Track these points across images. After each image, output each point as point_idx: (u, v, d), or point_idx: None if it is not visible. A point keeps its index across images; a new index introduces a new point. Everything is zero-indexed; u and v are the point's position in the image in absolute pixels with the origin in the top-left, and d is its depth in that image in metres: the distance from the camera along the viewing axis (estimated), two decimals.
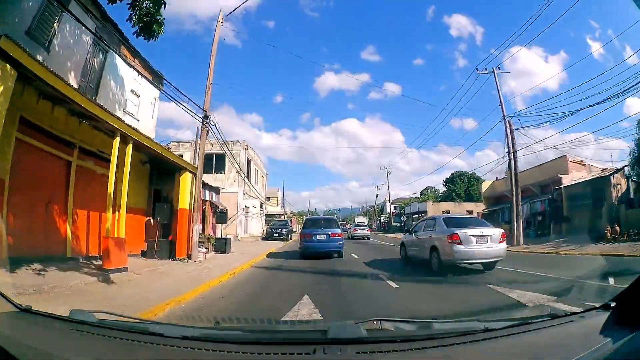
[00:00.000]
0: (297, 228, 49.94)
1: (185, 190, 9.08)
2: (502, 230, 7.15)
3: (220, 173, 21.61)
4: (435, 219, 7.94)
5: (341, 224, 45.37)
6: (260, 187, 27.98)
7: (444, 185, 45.42)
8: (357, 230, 25.23)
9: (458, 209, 36.06)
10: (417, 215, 38.56)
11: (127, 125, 6.32)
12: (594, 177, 15.23)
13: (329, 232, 10.28)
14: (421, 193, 52.82)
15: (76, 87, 6.01)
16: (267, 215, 45.87)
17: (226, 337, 1.31)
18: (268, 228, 22.63)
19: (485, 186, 25.17)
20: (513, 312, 3.40)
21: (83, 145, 6.62)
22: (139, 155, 7.88)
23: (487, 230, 6.88)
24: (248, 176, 23.42)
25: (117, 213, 5.99)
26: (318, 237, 10.16)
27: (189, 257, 8.50)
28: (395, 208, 56.42)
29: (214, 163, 21.18)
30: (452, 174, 45.70)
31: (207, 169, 21.10)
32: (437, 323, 1.57)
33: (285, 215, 51.54)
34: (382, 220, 50.20)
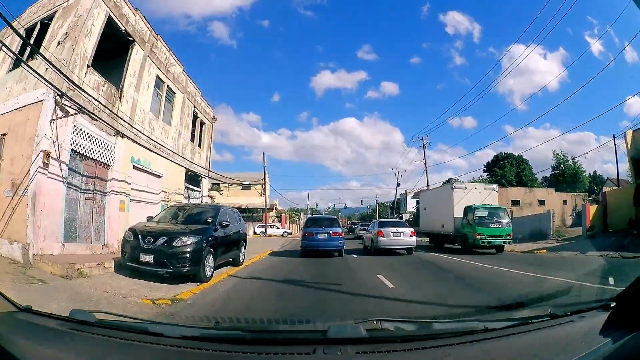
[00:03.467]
0: (290, 228, 38.90)
1: None
2: (412, 229, 12.93)
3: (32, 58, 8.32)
4: (375, 221, 15.76)
5: (352, 223, 43.50)
6: (184, 141, 14.46)
7: (485, 171, 41.28)
8: (363, 230, 28.16)
9: (529, 197, 29.95)
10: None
11: None
12: None
13: (330, 231, 11.82)
14: (444, 185, 47.20)
15: None
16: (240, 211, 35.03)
17: (226, 337, 1.43)
18: (128, 233, 6.83)
19: (628, 139, 15.38)
20: (513, 312, 3.56)
21: None
22: None
23: (401, 229, 12.58)
24: (123, 77, 9.96)
25: None
26: (319, 235, 11.75)
27: None
28: (418, 202, 48.36)
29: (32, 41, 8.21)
30: (496, 156, 41.59)
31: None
32: (437, 323, 1.72)
33: (275, 210, 38.81)
34: (403, 219, 41.47)
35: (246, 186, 39.81)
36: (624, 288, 1.34)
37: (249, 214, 38.24)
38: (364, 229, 24.17)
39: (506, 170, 39.54)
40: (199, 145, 16.75)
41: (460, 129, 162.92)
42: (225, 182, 31.34)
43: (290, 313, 4.75)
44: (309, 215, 28.28)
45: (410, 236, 12.39)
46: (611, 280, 6.26)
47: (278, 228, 36.01)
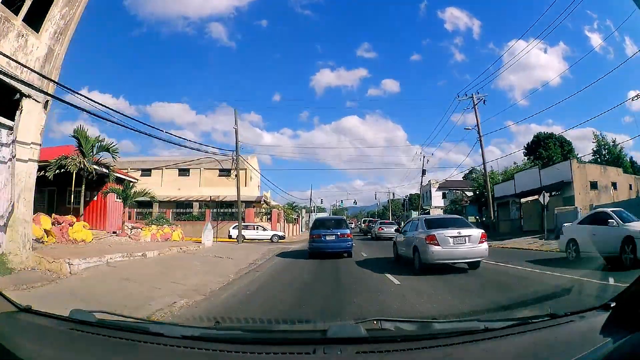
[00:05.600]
0: (286, 230, 40.22)
1: None
2: (482, 230, 10.72)
3: None
4: (419, 220, 12.09)
5: (368, 222, 44.72)
6: None
7: (526, 154, 45.30)
8: (382, 229, 31.05)
9: (605, 178, 29.20)
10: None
11: None
12: None
13: (338, 233, 14.69)
14: (465, 177, 56.20)
15: None
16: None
17: (226, 337, 1.82)
18: None
19: None
20: (513, 311, 4.35)
21: None
22: None
23: (465, 231, 10.29)
24: None
25: None
26: (327, 237, 14.68)
27: None
28: (444, 194, 56.05)
29: None
30: (537, 137, 46.66)
31: None
32: (437, 323, 2.15)
33: (266, 205, 38.95)
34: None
35: (225, 172, 36.18)
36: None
37: (227, 209, 35.19)
38: (396, 231, 21.00)
39: (552, 152, 42.27)
40: (34, 28, 9.62)
41: (461, 126, 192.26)
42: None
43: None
44: (317, 217, 28.93)
45: (480, 242, 10.13)
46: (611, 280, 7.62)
47: (264, 230, 32.90)
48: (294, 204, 59.71)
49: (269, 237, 31.49)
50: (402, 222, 43.70)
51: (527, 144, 46.51)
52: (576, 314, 1.85)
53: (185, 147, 23.55)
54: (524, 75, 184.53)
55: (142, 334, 1.75)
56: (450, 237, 9.91)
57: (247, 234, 30.22)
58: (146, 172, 40.14)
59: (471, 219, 33.03)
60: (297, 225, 53.95)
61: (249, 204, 36.33)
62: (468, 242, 10.02)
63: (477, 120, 29.43)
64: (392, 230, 28.55)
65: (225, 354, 1.59)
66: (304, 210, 66.74)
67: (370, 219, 53.00)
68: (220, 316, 4.42)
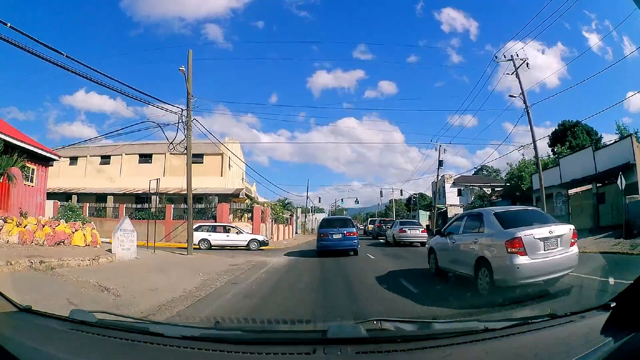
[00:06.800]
0: (275, 233, 40.38)
1: None
2: (572, 226, 8.11)
3: None
4: (481, 215, 9.02)
5: (380, 221, 45.08)
6: None
7: (552, 144, 47.04)
8: (405, 231, 26.70)
9: None
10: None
11: None
12: None
13: (345, 231, 18.44)
14: (476, 172, 58.85)
15: None
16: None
17: (226, 337, 2.09)
18: None
19: None
20: (513, 312, 4.82)
21: None
22: None
23: (557, 229, 7.70)
24: None
25: None
26: (334, 236, 18.38)
27: None
28: (459, 191, 57.74)
29: None
30: (563, 124, 48.22)
31: None
32: (437, 323, 2.43)
33: (249, 200, 38.72)
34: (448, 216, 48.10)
35: (197, 159, 30.19)
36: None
37: (196, 204, 29.00)
38: (437, 233, 17.34)
39: (582, 139, 43.42)
40: None
41: (463, 130, 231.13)
42: None
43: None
44: (324, 217, 32.75)
45: (571, 245, 7.78)
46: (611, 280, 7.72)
47: (239, 233, 26.89)
48: (286, 201, 59.05)
49: (245, 243, 26.00)
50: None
51: (552, 133, 47.59)
52: (576, 314, 2.11)
53: (117, 91, 14.84)
54: (523, 75, 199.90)
55: (142, 334, 1.98)
56: (540, 239, 7.33)
57: (214, 238, 25.73)
58: (105, 158, 39.63)
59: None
60: (290, 226, 51.25)
61: (224, 198, 33.71)
62: (559, 245, 7.54)
63: (520, 86, 26.48)
64: (418, 232, 25.95)
65: (225, 354, 1.81)
66: (299, 210, 65.72)
67: (382, 219, 48.37)
68: (220, 316, 4.85)
